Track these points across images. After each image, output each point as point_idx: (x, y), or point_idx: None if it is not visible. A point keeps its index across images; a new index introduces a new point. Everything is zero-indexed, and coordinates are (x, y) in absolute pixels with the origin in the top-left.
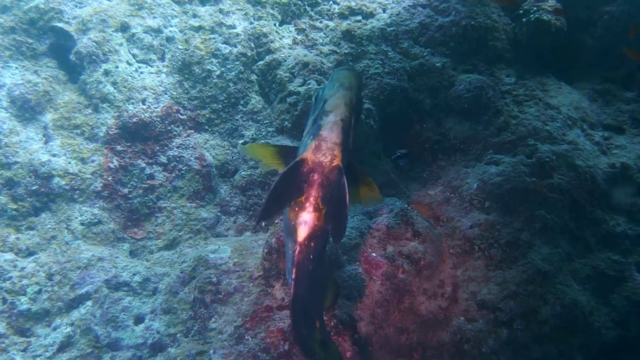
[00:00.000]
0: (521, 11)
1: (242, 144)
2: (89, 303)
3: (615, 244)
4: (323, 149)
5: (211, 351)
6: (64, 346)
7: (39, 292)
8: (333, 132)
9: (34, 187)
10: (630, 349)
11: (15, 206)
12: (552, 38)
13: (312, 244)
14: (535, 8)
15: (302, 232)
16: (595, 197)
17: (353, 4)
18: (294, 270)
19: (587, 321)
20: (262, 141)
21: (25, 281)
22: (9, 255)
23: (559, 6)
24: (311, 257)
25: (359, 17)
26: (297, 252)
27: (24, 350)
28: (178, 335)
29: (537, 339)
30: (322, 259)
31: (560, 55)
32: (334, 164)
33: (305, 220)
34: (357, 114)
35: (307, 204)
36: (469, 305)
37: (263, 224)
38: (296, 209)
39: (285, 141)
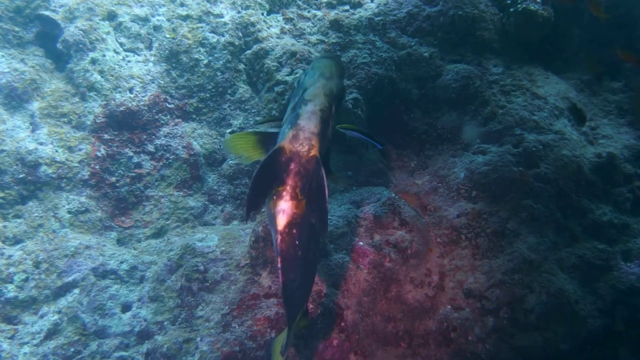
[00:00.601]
0: (508, 1)
1: (230, 132)
2: (76, 291)
3: (601, 233)
4: (300, 139)
5: (198, 339)
6: (51, 333)
7: (26, 280)
8: (311, 121)
9: (20, 176)
10: (615, 337)
11: (2, 194)
12: (539, 28)
13: (294, 232)
14: None
15: (281, 221)
16: (582, 187)
17: None
18: (279, 259)
19: (573, 309)
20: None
21: (12, 269)
22: None
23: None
24: (296, 244)
25: (347, 7)
26: (279, 240)
27: (11, 338)
28: (165, 323)
29: (523, 327)
30: (311, 247)
31: (547, 45)
32: (311, 154)
33: (283, 209)
34: (338, 103)
35: (284, 193)
36: (456, 294)
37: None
38: (274, 198)
39: (274, 130)
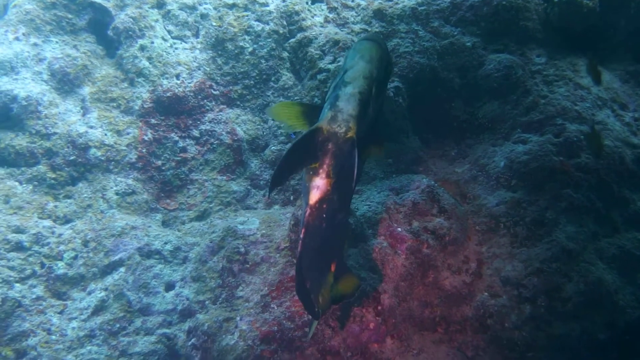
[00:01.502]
0: None
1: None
2: (122, 269)
3: None
4: (339, 120)
5: (238, 318)
6: (98, 310)
7: (75, 257)
8: (350, 104)
9: (71, 157)
10: None
11: (53, 175)
12: (584, 18)
13: (324, 207)
14: None
15: (314, 196)
16: (623, 177)
17: None
18: (302, 230)
19: (611, 299)
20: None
21: (62, 247)
22: (47, 222)
23: None
24: (323, 217)
25: None
26: (307, 214)
27: (60, 313)
28: (206, 302)
29: (561, 316)
30: (337, 223)
31: (592, 36)
32: (348, 135)
33: (318, 185)
34: (381, 85)
35: (321, 171)
36: (493, 281)
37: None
38: (311, 173)
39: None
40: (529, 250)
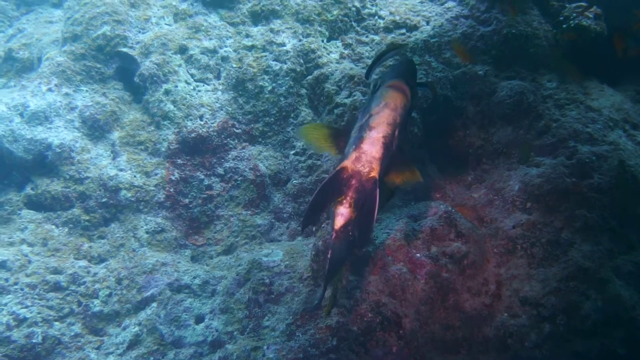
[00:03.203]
0: (561, 17)
1: (294, 153)
2: (154, 304)
3: None
4: (362, 161)
5: (265, 347)
6: (133, 344)
7: (110, 295)
8: (374, 147)
9: (103, 200)
10: None
11: (87, 217)
12: (592, 43)
13: (348, 229)
14: (575, 14)
15: (339, 222)
16: (637, 196)
17: (398, 18)
18: (329, 252)
19: (629, 315)
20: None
21: (97, 285)
22: (83, 262)
23: (599, 11)
24: (344, 240)
25: (404, 30)
26: (333, 237)
27: (98, 348)
28: (235, 332)
29: (580, 333)
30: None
31: (602, 59)
32: (371, 175)
33: (342, 213)
34: (403, 125)
35: (345, 201)
36: (512, 302)
37: (309, 227)
38: (337, 204)
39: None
40: (546, 270)
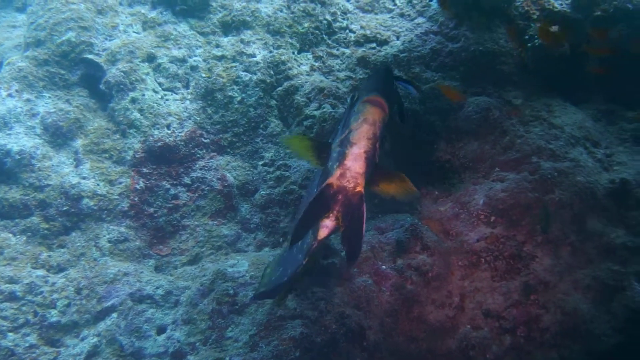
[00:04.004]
0: (527, 36)
1: (262, 164)
2: (115, 315)
3: (615, 255)
4: (347, 177)
5: (227, 358)
6: (91, 355)
7: (68, 305)
8: (357, 162)
9: (64, 208)
10: (629, 356)
11: (47, 226)
12: (556, 62)
13: (327, 242)
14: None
15: (323, 233)
16: (596, 211)
17: (368, 32)
18: (306, 259)
19: (587, 328)
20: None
21: (55, 295)
22: (41, 272)
23: (563, 32)
24: (321, 250)
25: (374, 45)
26: (314, 246)
27: None
28: (197, 343)
29: (539, 345)
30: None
31: (566, 78)
32: (357, 190)
33: (327, 225)
34: (382, 138)
35: (331, 215)
36: (475, 314)
37: (276, 237)
38: (323, 217)
39: (302, 162)
40: (508, 283)
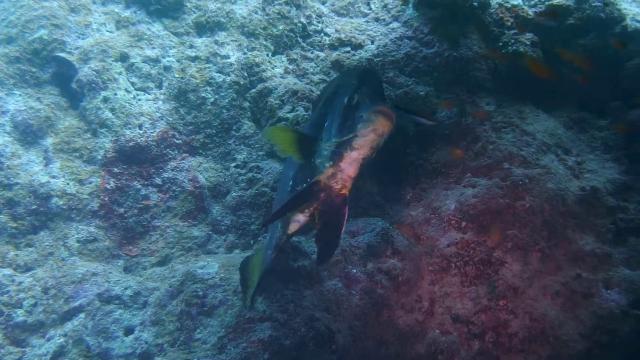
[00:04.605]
0: (500, 43)
1: (234, 166)
2: (82, 315)
3: (584, 262)
4: (337, 178)
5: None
6: (57, 356)
7: (35, 305)
8: (351, 167)
9: (33, 207)
10: None
11: (15, 224)
12: (528, 69)
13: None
14: (513, 41)
15: (294, 227)
16: (566, 218)
17: (343, 36)
18: (275, 254)
19: (555, 334)
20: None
21: (22, 295)
22: (8, 271)
23: (536, 39)
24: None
25: (348, 48)
26: (283, 241)
27: None
28: (165, 345)
29: (507, 350)
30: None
31: (539, 85)
32: (342, 192)
33: (299, 220)
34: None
35: (306, 211)
36: (444, 319)
37: (247, 240)
38: (298, 212)
39: (274, 164)
40: (477, 289)
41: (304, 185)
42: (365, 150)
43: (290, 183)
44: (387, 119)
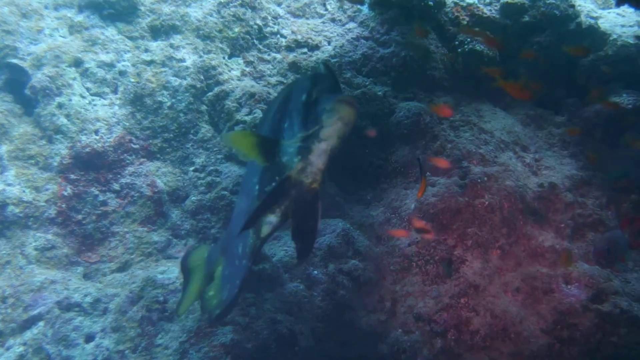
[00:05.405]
0: (457, 42)
1: (193, 170)
2: (41, 324)
3: (543, 258)
4: (307, 172)
5: None
6: None
7: None
8: (321, 159)
9: None
10: (557, 356)
11: None
12: (485, 67)
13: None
14: (469, 39)
15: (266, 230)
16: (525, 215)
17: (299, 37)
18: (251, 262)
19: (516, 330)
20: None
21: None
22: None
23: (491, 37)
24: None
25: (305, 50)
26: (258, 245)
27: None
28: (126, 351)
29: (469, 348)
30: None
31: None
32: (312, 186)
33: (271, 221)
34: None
35: (277, 210)
36: (407, 319)
37: None
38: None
39: (233, 167)
40: (439, 287)
41: (273, 184)
42: (333, 140)
43: (257, 187)
44: (351, 107)
